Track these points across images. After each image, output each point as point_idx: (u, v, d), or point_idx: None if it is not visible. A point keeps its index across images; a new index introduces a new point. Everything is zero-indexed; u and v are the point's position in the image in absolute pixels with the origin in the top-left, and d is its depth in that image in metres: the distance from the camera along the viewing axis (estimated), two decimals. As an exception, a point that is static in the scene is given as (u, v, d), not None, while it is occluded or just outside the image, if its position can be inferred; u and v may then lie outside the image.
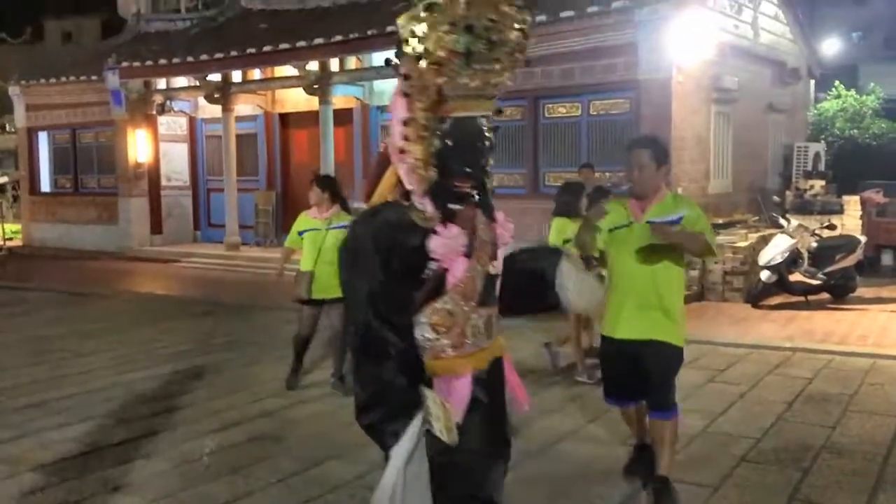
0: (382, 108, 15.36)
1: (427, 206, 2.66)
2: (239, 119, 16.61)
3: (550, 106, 11.99)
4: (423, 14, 2.56)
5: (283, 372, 6.81)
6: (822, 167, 15.38)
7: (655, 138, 4.34)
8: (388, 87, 14.99)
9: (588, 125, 11.79)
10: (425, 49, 2.55)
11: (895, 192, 14.59)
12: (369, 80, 15.14)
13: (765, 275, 10.09)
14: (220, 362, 7.50)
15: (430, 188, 2.66)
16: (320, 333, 6.81)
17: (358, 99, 15.40)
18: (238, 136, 16.52)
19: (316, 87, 14.60)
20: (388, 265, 2.61)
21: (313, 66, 14.52)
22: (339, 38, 13.51)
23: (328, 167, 14.74)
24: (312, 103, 14.97)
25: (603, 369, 4.41)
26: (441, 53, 2.56)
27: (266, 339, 8.61)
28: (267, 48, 14.41)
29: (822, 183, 14.56)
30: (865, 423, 5.42)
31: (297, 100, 15.95)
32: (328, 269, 6.11)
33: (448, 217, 2.66)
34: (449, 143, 2.64)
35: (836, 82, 23.00)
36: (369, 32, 13.11)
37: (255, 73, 16.14)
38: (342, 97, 15.15)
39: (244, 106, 16.71)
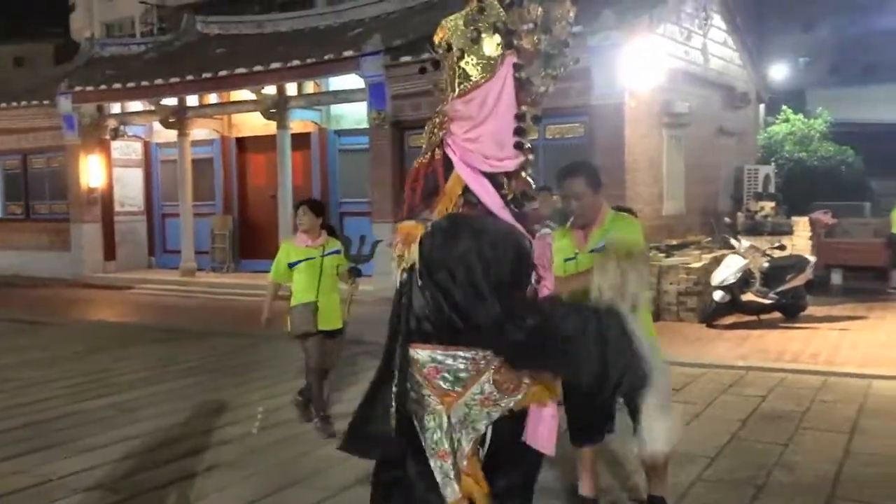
0: (340, 132, 15.42)
1: (508, 211, 2.55)
2: (195, 143, 16.50)
3: (507, 129, 12.11)
4: (505, 11, 2.53)
5: (241, 399, 6.75)
6: (772, 189, 15.77)
7: (585, 163, 4.18)
8: (345, 112, 15.08)
9: (544, 149, 11.93)
10: (517, 42, 2.50)
11: (843, 213, 15.02)
12: (327, 105, 15.18)
13: (718, 295, 10.27)
14: (177, 389, 7.39)
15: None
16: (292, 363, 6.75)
17: (316, 123, 15.43)
18: (194, 161, 16.40)
19: (273, 111, 14.59)
20: (505, 271, 2.47)
21: (270, 90, 14.52)
22: (296, 62, 13.54)
23: (286, 192, 14.70)
24: (270, 127, 14.94)
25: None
26: (527, 47, 2.52)
27: (223, 365, 8.52)
28: (223, 72, 14.38)
29: (772, 204, 14.92)
30: (818, 440, 5.53)
31: (254, 124, 15.90)
32: (329, 298, 6.06)
33: (524, 224, 2.57)
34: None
35: (785, 106, 23.65)
36: (326, 57, 13.17)
37: (212, 98, 16.08)
38: (300, 121, 15.16)
39: (200, 130, 16.61)
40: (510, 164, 2.56)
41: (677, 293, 10.83)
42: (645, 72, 11.37)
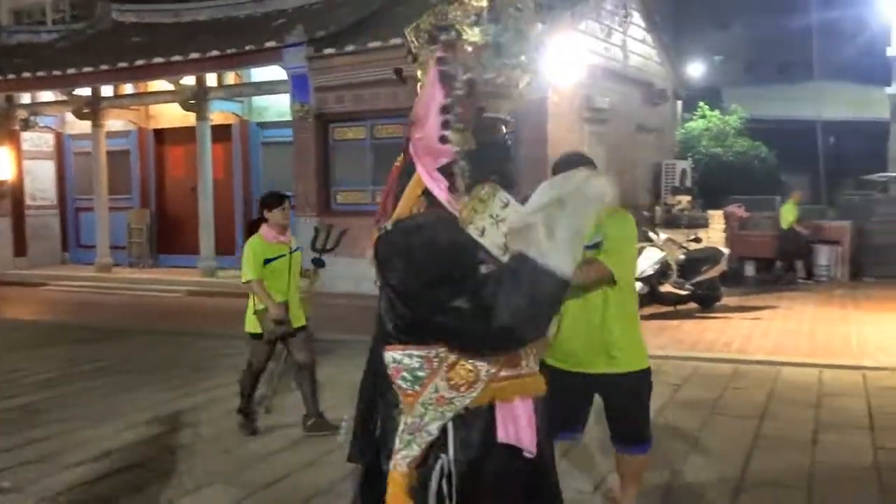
0: (263, 125, 15.16)
1: (457, 203, 2.48)
2: (110, 135, 15.99)
3: (432, 124, 12.12)
4: (447, 6, 2.46)
5: (157, 398, 6.58)
6: (688, 183, 16.22)
7: (579, 154, 3.93)
8: (268, 104, 14.83)
9: None
10: (455, 38, 2.42)
11: (755, 206, 15.57)
12: (249, 96, 14.91)
13: (637, 286, 10.49)
14: (91, 389, 7.16)
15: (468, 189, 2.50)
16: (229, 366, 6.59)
17: (237, 115, 15.13)
18: (109, 153, 15.89)
19: (192, 102, 14.24)
20: (451, 268, 2.40)
21: (189, 81, 14.17)
22: (215, 52, 13.24)
23: (206, 185, 14.39)
24: (189, 119, 14.59)
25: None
26: (467, 45, 2.44)
27: (139, 364, 8.28)
28: (140, 62, 13.96)
29: (689, 198, 15.36)
30: (730, 426, 5.72)
31: (172, 115, 15.49)
32: (295, 296, 5.90)
33: None
34: (477, 144, 2.48)
35: (701, 103, 24.33)
36: (248, 48, 12.92)
37: (128, 88, 15.61)
38: (220, 113, 14.84)
39: (116, 121, 16.11)
40: (443, 159, 2.48)
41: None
42: (567, 68, 11.53)
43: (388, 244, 2.48)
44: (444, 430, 2.44)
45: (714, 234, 13.74)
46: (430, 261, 2.43)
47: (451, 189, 2.49)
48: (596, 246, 3.58)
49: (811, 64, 22.61)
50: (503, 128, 2.56)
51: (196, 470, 4.98)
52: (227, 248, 15.04)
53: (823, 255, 14.39)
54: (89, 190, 16.16)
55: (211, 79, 14.47)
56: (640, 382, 3.75)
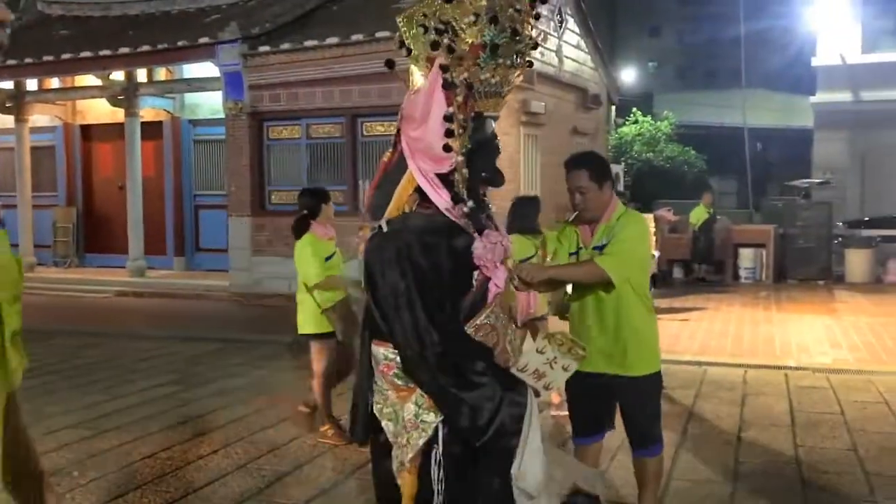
0: (195, 122, 14.87)
1: (457, 210, 2.50)
2: (35, 130, 15.46)
3: (369, 124, 12.08)
4: (446, 4, 2.44)
5: (84, 402, 6.40)
6: (621, 187, 16.52)
7: (592, 153, 3.92)
8: (200, 101, 14.56)
9: (385, 145, 12.01)
10: (453, 41, 2.42)
11: (685, 210, 15.93)
12: (180, 93, 14.60)
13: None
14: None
15: (467, 192, 2.51)
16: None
17: (168, 112, 14.81)
18: (33, 149, 15.37)
19: (121, 98, 13.89)
20: (438, 275, 2.44)
21: (118, 75, 13.81)
22: (146, 47, 12.93)
23: (135, 183, 14.05)
24: (118, 115, 14.22)
25: (576, 402, 3.85)
26: (465, 46, 2.44)
27: (65, 367, 8.03)
28: (67, 55, 13.53)
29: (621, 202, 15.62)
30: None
31: (100, 111, 15.07)
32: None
33: (478, 224, 2.52)
34: (472, 144, 2.50)
35: (634, 109, 24.84)
36: (180, 44, 12.65)
37: (54, 82, 15.12)
38: (151, 109, 14.51)
39: (41, 116, 15.58)
40: (445, 166, 2.53)
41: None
42: (503, 70, 11.60)
43: (384, 241, 2.52)
44: (435, 427, 2.52)
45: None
46: (424, 261, 2.46)
47: (454, 198, 2.52)
48: (601, 248, 3.58)
49: (740, 72, 23.30)
50: (491, 125, 2.61)
51: (119, 476, 4.85)
52: (157, 247, 14.71)
53: (748, 257, 14.84)
54: (12, 187, 15.54)
55: (141, 74, 14.13)
56: (653, 386, 3.74)
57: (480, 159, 2.55)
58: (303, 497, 4.43)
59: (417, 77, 2.64)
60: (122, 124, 14.08)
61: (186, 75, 14.17)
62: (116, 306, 12.61)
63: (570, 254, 3.77)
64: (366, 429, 2.72)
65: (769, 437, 5.54)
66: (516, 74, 2.60)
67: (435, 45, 2.48)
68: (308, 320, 5.50)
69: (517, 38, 2.50)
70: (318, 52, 11.81)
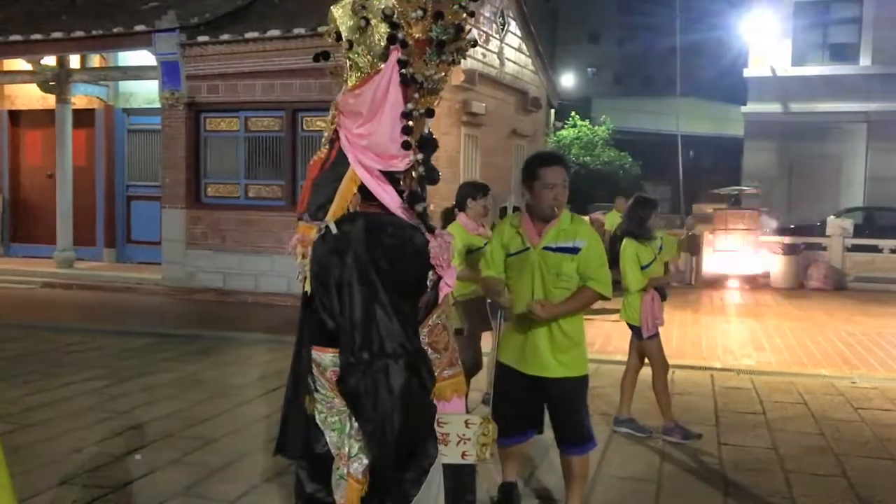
0: (129, 111, 14.54)
1: (425, 208, 2.47)
2: (-41, 114, 14.89)
3: (309, 119, 11.99)
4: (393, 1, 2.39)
5: (4, 395, 6.20)
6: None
7: (564, 155, 4.12)
8: (135, 90, 14.24)
9: (306, 141, 11.98)
10: (402, 36, 2.37)
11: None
12: (114, 81, 14.25)
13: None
14: (-72, 386, 6.66)
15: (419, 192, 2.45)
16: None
17: (101, 100, 14.43)
18: (-42, 134, 14.80)
19: (53, 84, 13.48)
20: (401, 277, 2.38)
21: (50, 61, 13.40)
22: (80, 33, 12.57)
23: (65, 172, 13.66)
24: (48, 101, 13.81)
25: (510, 402, 3.81)
26: (411, 42, 2.40)
27: (-14, 358, 7.77)
28: (-5, 38, 13.07)
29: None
30: (588, 423, 5.96)
31: (30, 96, 14.62)
32: None
33: (426, 223, 2.48)
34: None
35: (573, 113, 25.20)
36: (115, 30, 12.35)
37: (-20, 66, 14.59)
38: (83, 97, 14.13)
39: (-34, 100, 15.01)
40: (400, 164, 2.49)
41: (470, 286, 11.21)
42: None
43: (339, 243, 2.42)
44: None
45: (581, 239, 14.25)
46: (386, 263, 2.41)
47: (412, 197, 2.48)
48: (575, 251, 3.67)
49: (676, 81, 23.85)
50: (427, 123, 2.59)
51: (44, 472, 4.73)
52: (86, 238, 14.33)
53: (679, 262, 15.21)
54: (-67, 172, 15.00)
55: (74, 60, 13.75)
56: (585, 385, 3.86)
57: (424, 156, 2.55)
58: (235, 492, 4.39)
59: (353, 74, 2.58)
60: (52, 111, 13.68)
61: (122, 63, 13.85)
62: (43, 298, 12.24)
63: (512, 254, 3.78)
64: (305, 443, 2.61)
65: (695, 435, 5.71)
66: (452, 74, 2.62)
67: (392, 39, 2.44)
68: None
69: (461, 34, 2.49)
70: (259, 44, 11.68)
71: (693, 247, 5.83)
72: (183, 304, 11.83)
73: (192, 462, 4.88)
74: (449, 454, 2.53)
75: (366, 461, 2.47)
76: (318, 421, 2.55)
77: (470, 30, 2.56)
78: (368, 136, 2.46)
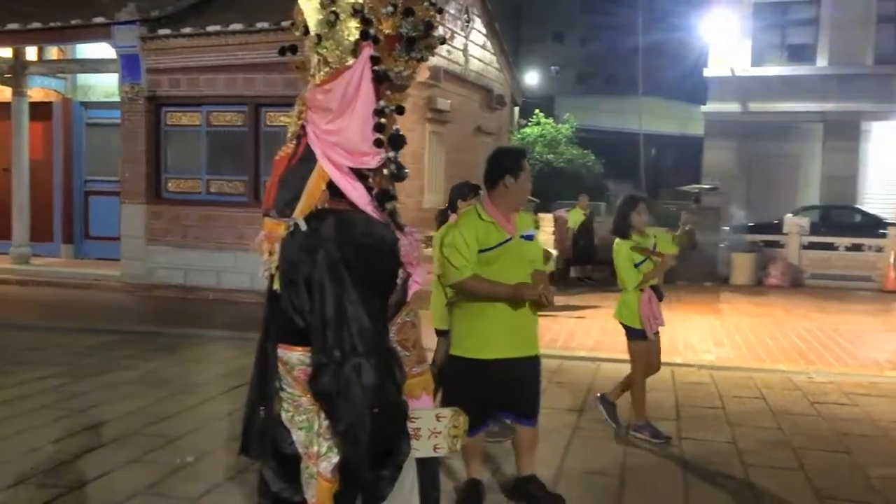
0: (88, 105, 14.30)
1: (379, 208, 2.42)
2: None
3: (272, 114, 11.89)
4: None
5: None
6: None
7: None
8: (94, 83, 14.01)
9: (281, 137, 11.86)
10: (374, 32, 2.34)
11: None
12: (73, 74, 13.99)
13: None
14: None
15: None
16: None
17: (59, 93, 14.16)
18: None
19: (9, 76, 13.20)
20: (374, 276, 2.33)
21: (6, 52, 13.11)
22: (37, 25, 12.32)
23: (22, 166, 13.39)
24: (5, 94, 13.51)
25: (471, 394, 3.83)
26: (380, 37, 2.36)
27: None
28: (-53, 28, 12.74)
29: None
30: (552, 418, 5.99)
31: (-16, 88, 14.26)
32: None
33: (395, 220, 2.45)
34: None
35: (537, 111, 25.33)
36: (74, 22, 12.12)
37: (-68, 56, 14.21)
38: (40, 90, 13.85)
39: (-83, 92, 14.60)
40: (371, 161, 2.44)
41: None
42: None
43: (311, 241, 2.37)
44: None
45: (544, 236, 14.33)
46: (359, 262, 2.34)
47: (384, 195, 2.44)
48: (532, 238, 4.08)
49: (638, 80, 24.12)
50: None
51: (0, 471, 4.64)
52: (43, 234, 14.06)
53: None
54: None
55: (31, 52, 13.46)
56: (540, 363, 4.22)
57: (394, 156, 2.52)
58: (198, 491, 4.35)
59: (321, 69, 2.51)
60: (8, 104, 13.39)
61: (80, 55, 13.60)
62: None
63: (491, 248, 3.89)
64: (271, 442, 2.55)
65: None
66: (421, 72, 2.57)
67: (365, 35, 2.40)
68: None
69: (431, 31, 2.47)
70: (222, 38, 11.55)
71: (690, 241, 5.85)
72: (143, 301, 11.67)
73: (155, 460, 4.82)
74: (421, 448, 2.52)
75: (335, 459, 2.44)
76: (284, 420, 2.52)
77: (442, 27, 2.55)
78: (338, 133, 2.43)
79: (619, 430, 5.63)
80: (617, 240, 5.58)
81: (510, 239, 3.92)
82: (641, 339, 5.57)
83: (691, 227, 6.31)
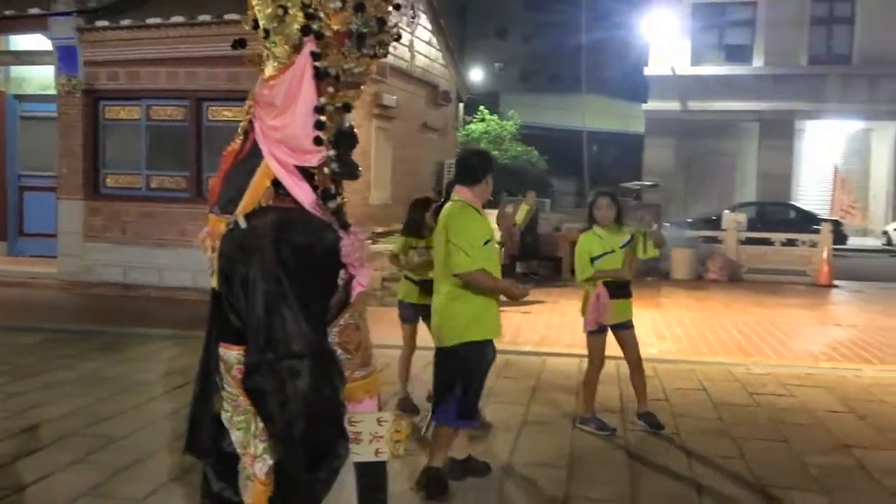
0: (22, 97, 13.84)
1: (337, 206, 2.39)
2: None
3: (215, 108, 11.69)
4: None
5: None
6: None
7: (482, 154, 4.72)
8: (28, 75, 13.58)
9: (231, 131, 11.67)
10: (317, 28, 2.29)
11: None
12: (6, 66, 13.53)
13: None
14: None
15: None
16: None
17: (-9, 85, 13.68)
18: None
19: (-63, 67, 12.72)
20: (310, 276, 2.28)
21: (-65, 43, 12.64)
22: (-32, 14, 11.89)
23: (-48, 160, 12.89)
24: (-68, 86, 13.00)
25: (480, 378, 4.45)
26: (328, 33, 2.31)
27: None
28: None
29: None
30: (500, 412, 6.06)
31: (-90, 80, 13.71)
32: None
33: (341, 220, 2.39)
34: (335, 136, 2.40)
35: (482, 107, 25.46)
36: (7, 12, 11.74)
37: None
38: (-29, 81, 13.36)
39: None
40: (313, 159, 2.41)
41: (382, 279, 11.21)
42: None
43: (247, 239, 2.34)
44: None
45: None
46: (294, 261, 2.31)
47: (324, 194, 2.41)
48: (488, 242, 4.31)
49: (581, 78, 24.40)
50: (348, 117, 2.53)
51: (-63, 474, 4.49)
52: (-26, 230, 13.58)
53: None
54: None
55: (-39, 42, 13.00)
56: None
57: (341, 151, 2.50)
58: (142, 492, 4.27)
59: (270, 64, 2.51)
60: (-64, 95, 12.90)
61: (13, 47, 13.15)
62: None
63: (488, 241, 4.29)
64: (213, 441, 2.53)
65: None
66: (374, 68, 2.58)
67: (306, 31, 2.38)
68: None
69: (384, 27, 2.46)
70: (162, 30, 11.31)
71: (659, 240, 5.95)
72: (81, 299, 11.38)
73: (98, 461, 4.72)
74: (361, 452, 2.50)
75: (270, 462, 2.41)
76: (224, 419, 2.49)
77: (396, 24, 2.52)
78: (282, 129, 2.39)
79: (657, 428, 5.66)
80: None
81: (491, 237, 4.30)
82: (594, 334, 5.61)
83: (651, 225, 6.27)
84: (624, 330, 5.72)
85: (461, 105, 21.34)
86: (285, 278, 2.29)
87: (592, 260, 5.54)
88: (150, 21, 11.30)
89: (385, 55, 2.58)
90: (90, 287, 11.79)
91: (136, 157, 12.11)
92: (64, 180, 12.15)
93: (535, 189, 18.72)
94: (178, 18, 11.15)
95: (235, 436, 2.45)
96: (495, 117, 25.48)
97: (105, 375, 6.93)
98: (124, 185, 12.19)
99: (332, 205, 2.44)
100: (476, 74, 32.89)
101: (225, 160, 2.62)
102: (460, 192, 4.34)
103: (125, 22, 11.47)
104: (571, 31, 31.62)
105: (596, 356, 5.71)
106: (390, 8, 2.53)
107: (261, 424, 2.40)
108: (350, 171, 2.57)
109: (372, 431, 2.48)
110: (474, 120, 24.97)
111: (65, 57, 11.78)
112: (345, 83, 2.48)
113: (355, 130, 2.69)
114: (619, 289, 5.60)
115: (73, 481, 4.40)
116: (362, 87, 2.58)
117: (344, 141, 2.52)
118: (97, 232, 11.98)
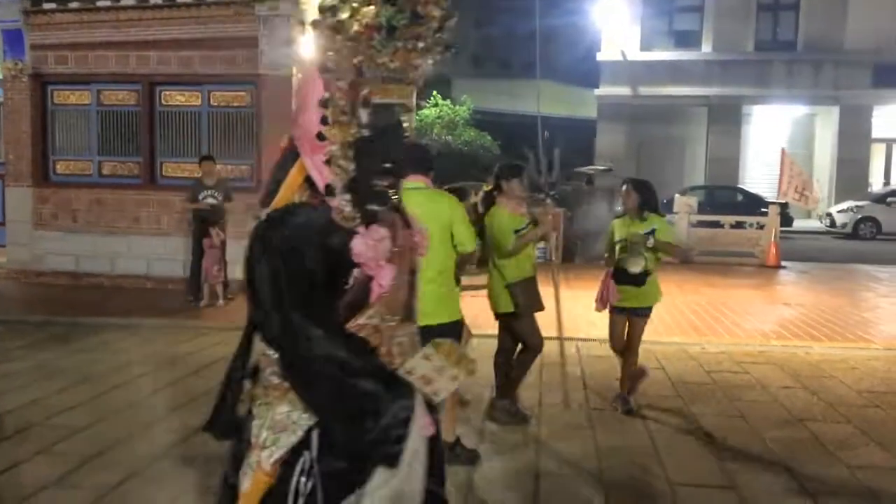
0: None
1: (346, 203, 2.29)
2: None
3: (168, 93, 11.49)
4: None
5: None
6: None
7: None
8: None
9: (209, 115, 11.53)
10: (340, 21, 2.18)
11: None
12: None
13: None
14: None
15: (349, 184, 2.28)
16: None
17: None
18: None
19: None
20: (305, 274, 2.23)
21: None
22: None
23: None
24: None
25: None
26: (357, 27, 2.21)
27: None
28: None
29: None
30: (468, 394, 6.13)
31: None
32: None
33: (369, 218, 2.31)
34: (368, 133, 2.29)
35: (434, 92, 25.42)
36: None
37: None
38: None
39: None
40: (320, 155, 2.34)
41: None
42: (308, 45, 11.48)
43: (262, 232, 2.32)
44: (308, 430, 2.32)
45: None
46: (288, 258, 2.28)
47: (326, 190, 2.33)
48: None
49: (533, 63, 24.50)
50: (399, 112, 2.46)
51: None
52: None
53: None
54: None
55: None
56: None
57: (379, 148, 2.38)
58: (113, 480, 4.24)
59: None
60: None
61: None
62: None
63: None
64: (237, 424, 2.48)
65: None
66: (427, 60, 2.43)
67: (315, 25, 2.32)
68: (500, 299, 6.09)
69: (419, 20, 2.35)
70: (112, 13, 11.06)
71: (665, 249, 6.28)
72: (31, 289, 11.12)
73: (62, 451, 4.66)
74: (443, 387, 2.41)
75: (277, 454, 2.42)
76: (252, 409, 2.45)
77: (432, 14, 2.38)
78: (301, 126, 2.36)
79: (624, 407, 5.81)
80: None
81: None
82: (611, 313, 6.15)
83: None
84: (634, 316, 6.04)
85: (414, 90, 21.27)
86: (281, 272, 2.27)
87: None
88: (101, 3, 11.05)
89: (427, 50, 2.49)
90: (40, 276, 11.54)
91: (87, 142, 11.86)
92: (11, 167, 11.85)
93: (489, 175, 18.93)
94: (129, 1, 10.91)
95: (255, 424, 2.42)
96: (448, 102, 25.47)
97: (60, 366, 6.80)
98: (75, 171, 11.93)
99: (339, 202, 2.32)
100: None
101: (277, 154, 2.61)
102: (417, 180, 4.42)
103: (74, 4, 11.19)
104: (523, 16, 31.67)
105: (610, 335, 6.15)
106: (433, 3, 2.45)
107: (277, 414, 2.37)
108: (395, 168, 2.42)
109: (434, 367, 2.41)
110: (427, 105, 24.92)
111: (10, 40, 11.47)
112: (383, 78, 2.36)
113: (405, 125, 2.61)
114: (624, 275, 5.91)
115: (39, 472, 4.34)
116: (409, 83, 2.46)
117: (383, 137, 2.37)
118: (47, 220, 11.72)
